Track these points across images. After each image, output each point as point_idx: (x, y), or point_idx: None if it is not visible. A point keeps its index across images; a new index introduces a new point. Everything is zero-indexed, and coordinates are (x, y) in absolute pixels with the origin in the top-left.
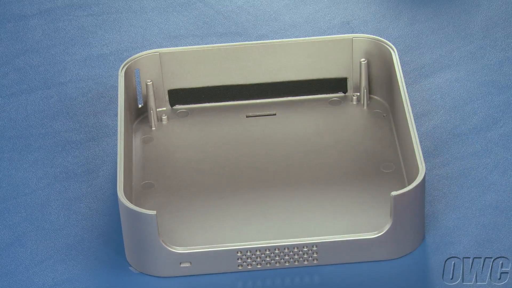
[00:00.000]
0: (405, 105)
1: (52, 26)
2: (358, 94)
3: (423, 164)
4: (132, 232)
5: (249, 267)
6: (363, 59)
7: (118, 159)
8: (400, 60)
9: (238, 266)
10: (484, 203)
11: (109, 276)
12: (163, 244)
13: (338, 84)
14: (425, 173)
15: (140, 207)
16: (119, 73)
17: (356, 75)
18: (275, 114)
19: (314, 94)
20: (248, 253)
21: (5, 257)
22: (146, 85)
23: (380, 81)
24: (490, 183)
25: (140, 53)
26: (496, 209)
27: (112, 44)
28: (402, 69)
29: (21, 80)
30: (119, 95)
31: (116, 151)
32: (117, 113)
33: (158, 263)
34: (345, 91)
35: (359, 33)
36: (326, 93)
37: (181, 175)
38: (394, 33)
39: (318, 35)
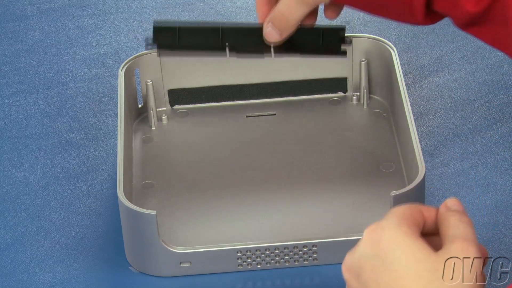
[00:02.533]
0: (405, 105)
1: (52, 26)
2: (358, 94)
3: (423, 164)
4: (132, 232)
5: (249, 267)
6: (363, 59)
7: (118, 159)
8: (400, 60)
9: (238, 266)
10: (484, 203)
11: (109, 276)
12: (163, 244)
13: (338, 84)
14: (425, 172)
15: (140, 207)
16: (119, 73)
17: (356, 75)
18: (275, 114)
19: (314, 94)
20: (248, 253)
21: (5, 257)
22: (146, 85)
23: (380, 81)
24: (490, 183)
25: (140, 53)
26: (496, 209)
27: (112, 44)
28: (402, 69)
29: (21, 80)
30: (119, 95)
31: (116, 151)
32: (117, 113)
33: (158, 263)
34: (345, 91)
35: (359, 33)
36: (326, 93)
37: (181, 175)
38: (394, 33)
39: None
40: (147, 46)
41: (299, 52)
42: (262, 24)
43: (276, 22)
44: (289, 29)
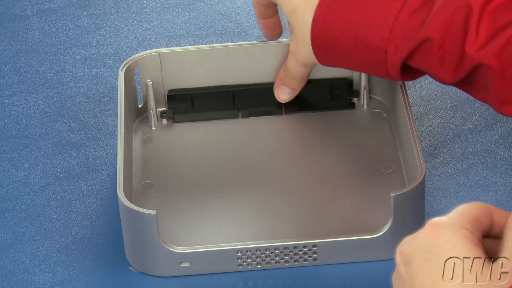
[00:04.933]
0: (405, 105)
1: (52, 26)
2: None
3: (423, 164)
4: (132, 232)
5: (249, 267)
6: None
7: (118, 159)
8: None
9: (238, 266)
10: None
11: (109, 276)
12: (163, 243)
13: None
14: (425, 173)
15: (140, 207)
16: (119, 73)
17: (356, 75)
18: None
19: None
20: (248, 253)
21: (5, 257)
22: (146, 85)
23: (380, 81)
24: (490, 183)
25: (140, 53)
26: None
27: (112, 44)
28: None
29: (21, 80)
30: (119, 95)
31: (116, 151)
32: (117, 113)
33: (158, 263)
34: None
35: None
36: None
37: (181, 175)
38: None
39: None
40: (162, 115)
41: (308, 109)
42: (271, 83)
43: (287, 83)
44: (300, 86)
